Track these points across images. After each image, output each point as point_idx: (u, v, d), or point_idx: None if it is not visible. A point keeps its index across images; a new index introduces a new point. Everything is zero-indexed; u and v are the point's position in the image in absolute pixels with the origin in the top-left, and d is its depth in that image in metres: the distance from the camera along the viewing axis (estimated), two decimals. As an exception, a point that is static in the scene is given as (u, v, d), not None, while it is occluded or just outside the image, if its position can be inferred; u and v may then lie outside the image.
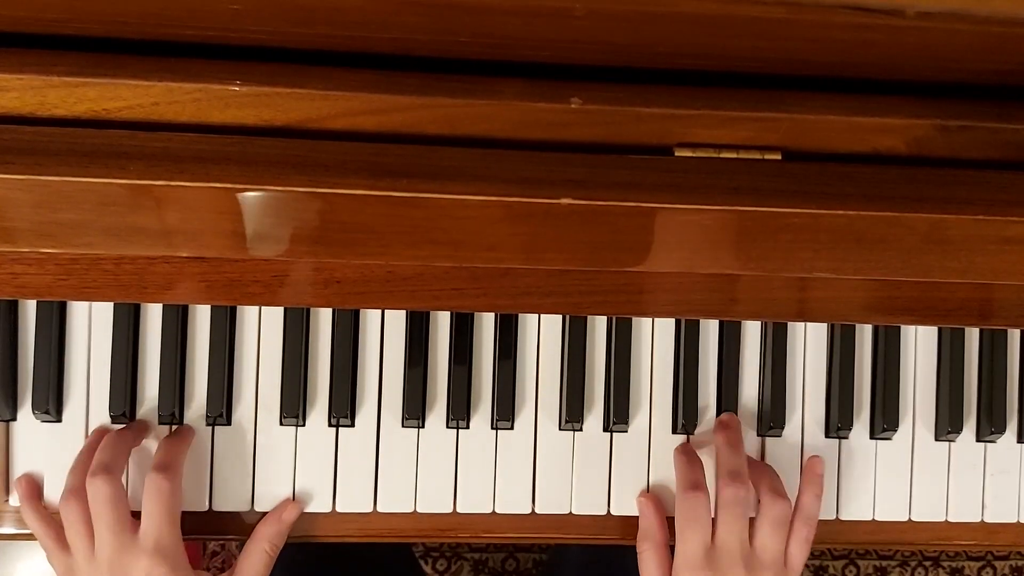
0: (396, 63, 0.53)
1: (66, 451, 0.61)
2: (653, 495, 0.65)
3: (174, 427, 0.63)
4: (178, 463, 0.60)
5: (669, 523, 0.64)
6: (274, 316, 0.63)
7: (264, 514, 0.63)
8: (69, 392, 0.62)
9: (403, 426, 0.64)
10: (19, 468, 0.62)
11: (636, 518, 0.65)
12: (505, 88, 0.53)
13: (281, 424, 0.63)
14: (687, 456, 0.64)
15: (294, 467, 0.64)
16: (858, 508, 0.67)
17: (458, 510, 0.65)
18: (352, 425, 0.64)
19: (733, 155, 0.55)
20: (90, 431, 0.62)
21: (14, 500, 0.62)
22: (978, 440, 0.68)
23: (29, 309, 0.62)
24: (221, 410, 0.62)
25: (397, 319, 0.64)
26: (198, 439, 0.63)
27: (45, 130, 0.51)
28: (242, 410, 0.63)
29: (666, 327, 0.66)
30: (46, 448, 0.62)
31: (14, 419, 0.62)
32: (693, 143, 0.55)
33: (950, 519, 0.68)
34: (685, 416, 0.65)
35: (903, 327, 0.67)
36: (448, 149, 0.53)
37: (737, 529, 0.59)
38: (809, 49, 0.51)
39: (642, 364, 0.66)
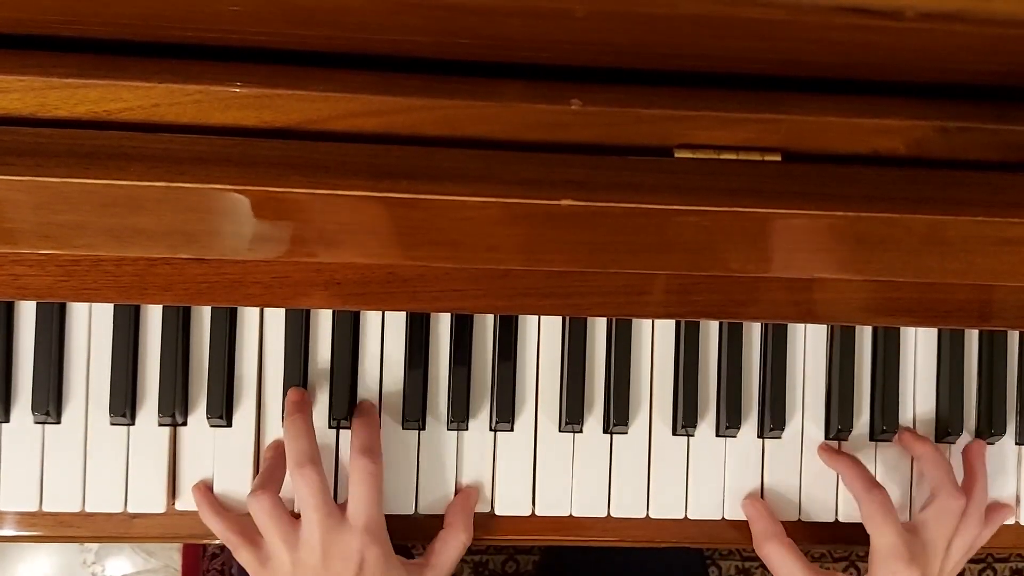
0: (396, 64, 0.53)
1: (66, 451, 0.62)
2: (758, 498, 0.66)
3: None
4: (379, 444, 0.62)
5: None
6: (275, 317, 0.64)
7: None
8: (68, 393, 0.62)
9: (403, 428, 0.64)
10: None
11: (635, 520, 0.65)
12: (505, 89, 0.53)
13: (282, 425, 0.63)
14: (846, 458, 0.66)
15: (294, 468, 0.63)
16: (859, 510, 0.67)
17: (458, 511, 0.64)
18: (352, 426, 0.64)
19: (733, 156, 0.55)
20: (89, 432, 0.62)
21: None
22: (978, 441, 0.68)
23: (27, 310, 0.62)
24: (222, 412, 0.62)
25: (397, 320, 0.64)
26: (202, 440, 0.63)
27: (46, 131, 0.51)
28: (243, 412, 0.63)
29: (666, 328, 0.66)
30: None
31: (7, 421, 0.62)
32: (693, 144, 0.55)
33: (950, 520, 0.68)
34: (685, 418, 0.65)
35: (902, 328, 0.67)
36: (448, 150, 0.53)
37: (947, 532, 0.63)
38: (809, 50, 0.51)
39: (642, 366, 0.66)
